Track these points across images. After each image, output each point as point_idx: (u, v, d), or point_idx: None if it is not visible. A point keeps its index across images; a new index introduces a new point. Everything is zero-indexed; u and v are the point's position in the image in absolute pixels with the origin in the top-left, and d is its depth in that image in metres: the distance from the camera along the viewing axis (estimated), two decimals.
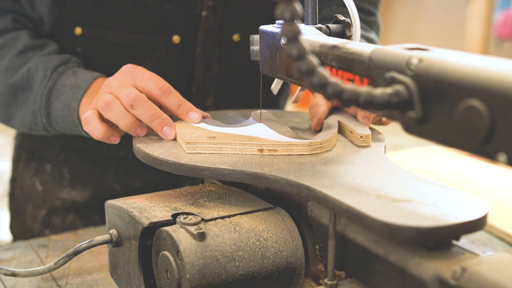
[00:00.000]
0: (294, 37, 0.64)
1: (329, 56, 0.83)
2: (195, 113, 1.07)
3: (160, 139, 1.04)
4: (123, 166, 1.41)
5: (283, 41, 0.92)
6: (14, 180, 1.52)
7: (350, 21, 0.97)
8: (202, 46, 1.31)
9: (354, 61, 0.79)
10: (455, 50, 0.71)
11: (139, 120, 1.04)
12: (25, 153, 1.48)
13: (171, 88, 1.08)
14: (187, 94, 1.33)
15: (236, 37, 1.35)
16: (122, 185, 1.42)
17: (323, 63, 0.83)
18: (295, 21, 0.65)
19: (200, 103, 1.34)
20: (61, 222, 1.44)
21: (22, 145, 1.49)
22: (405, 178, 0.85)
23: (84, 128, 1.08)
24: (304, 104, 1.68)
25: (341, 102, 0.67)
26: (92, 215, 1.43)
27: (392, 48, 0.75)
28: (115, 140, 1.09)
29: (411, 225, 0.70)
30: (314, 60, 0.66)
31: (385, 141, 1.04)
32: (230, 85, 1.39)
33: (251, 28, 1.24)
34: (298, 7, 0.65)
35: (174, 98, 1.07)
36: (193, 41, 1.32)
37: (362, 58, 0.77)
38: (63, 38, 1.31)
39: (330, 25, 0.98)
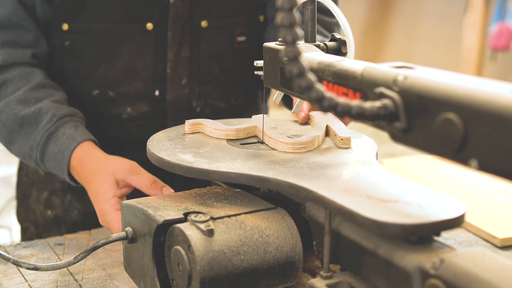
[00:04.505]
0: (295, 57, 0.74)
1: (325, 72, 0.93)
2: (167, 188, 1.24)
3: (173, 144, 1.14)
4: (112, 146, 1.50)
5: (285, 58, 1.02)
6: (21, 170, 1.65)
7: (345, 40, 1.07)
8: (172, 30, 1.45)
9: (347, 77, 0.88)
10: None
11: None
12: None
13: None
14: (162, 75, 1.49)
15: (204, 23, 1.49)
16: None
17: (320, 78, 0.93)
18: (296, 43, 0.75)
19: (175, 83, 1.49)
20: (60, 202, 1.56)
21: None
22: (393, 182, 0.95)
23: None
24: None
25: (335, 113, 0.77)
26: (86, 195, 1.53)
27: (381, 66, 0.84)
28: None
29: (397, 222, 0.80)
30: (312, 77, 0.76)
31: (377, 148, 1.14)
32: (202, 67, 1.52)
33: (217, 16, 1.42)
34: (299, 31, 0.75)
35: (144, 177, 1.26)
36: (165, 27, 1.45)
37: (355, 75, 0.87)
38: (53, 35, 1.46)
39: (328, 43, 1.08)
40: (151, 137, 1.19)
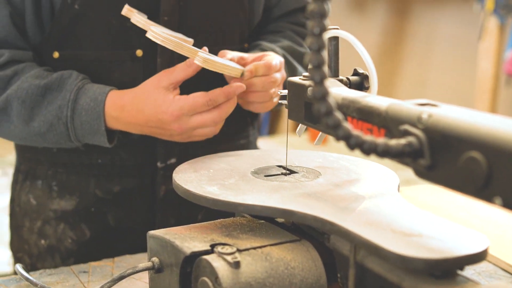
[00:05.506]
0: (323, 97, 0.77)
1: (350, 108, 0.95)
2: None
3: (198, 176, 1.16)
4: (103, 173, 1.53)
5: (309, 93, 1.05)
6: (13, 200, 1.65)
7: (367, 74, 1.10)
8: (161, 57, 1.46)
9: (372, 114, 0.91)
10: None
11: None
12: (21, 175, 1.62)
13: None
14: None
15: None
16: (103, 191, 1.54)
17: (344, 114, 0.96)
18: (324, 83, 0.77)
19: None
20: (54, 232, 1.56)
21: (18, 167, 1.64)
22: (416, 215, 0.97)
23: None
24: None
25: (362, 151, 0.80)
26: (79, 223, 1.55)
27: (406, 104, 0.87)
28: None
29: (421, 257, 0.82)
30: (339, 115, 0.78)
31: (398, 180, 1.16)
32: (191, 90, 1.51)
33: (203, 42, 1.43)
34: (326, 70, 0.77)
35: None
36: (154, 54, 1.47)
37: (379, 111, 0.89)
38: (44, 63, 1.49)
39: (350, 77, 1.11)
40: (176, 169, 1.21)
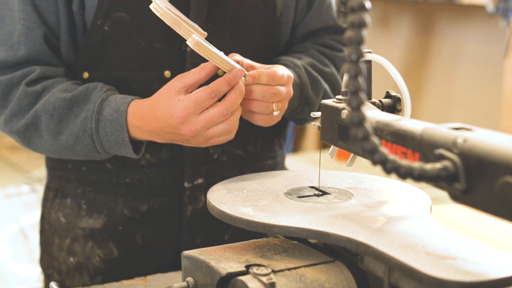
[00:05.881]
0: (360, 122, 0.78)
1: (384, 131, 0.96)
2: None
3: (232, 196, 1.18)
4: (131, 192, 1.55)
5: (346, 118, 1.06)
6: (43, 218, 1.67)
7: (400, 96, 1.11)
8: None
9: (406, 137, 0.92)
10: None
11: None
12: (51, 192, 1.64)
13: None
14: None
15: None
16: (130, 210, 1.55)
17: (379, 137, 0.97)
18: (362, 109, 0.78)
19: None
20: (82, 249, 1.58)
21: (49, 185, 1.66)
22: (449, 237, 0.98)
23: None
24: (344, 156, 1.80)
25: (398, 175, 0.81)
26: (107, 242, 1.57)
27: (440, 128, 0.88)
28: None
29: (457, 280, 0.83)
30: (376, 140, 0.79)
31: (430, 202, 1.17)
32: None
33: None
34: (363, 95, 0.79)
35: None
36: None
37: (414, 135, 0.91)
38: None
39: (383, 100, 1.12)
40: (210, 189, 1.23)
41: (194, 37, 1.24)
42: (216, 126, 1.29)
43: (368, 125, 0.79)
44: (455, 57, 4.86)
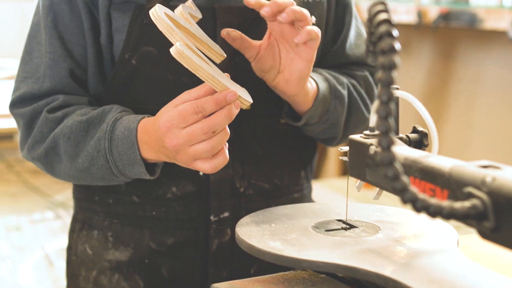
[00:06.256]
0: (390, 162, 0.80)
1: (412, 168, 0.98)
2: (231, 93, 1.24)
3: (260, 230, 1.19)
4: (157, 225, 1.55)
5: (371, 152, 1.07)
6: (70, 248, 1.68)
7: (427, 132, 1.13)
8: None
9: (435, 175, 0.93)
10: None
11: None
12: (78, 224, 1.66)
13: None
14: None
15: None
16: (157, 243, 1.56)
17: (407, 173, 0.98)
18: (392, 148, 0.80)
19: None
20: (108, 282, 1.59)
21: (76, 217, 1.67)
22: (478, 273, 0.99)
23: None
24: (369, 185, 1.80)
25: (428, 214, 0.82)
26: (133, 274, 1.57)
27: (469, 166, 0.89)
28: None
29: None
30: (406, 180, 0.81)
31: (457, 236, 1.18)
32: (245, 148, 1.54)
33: (258, 98, 1.41)
34: (393, 136, 0.80)
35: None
36: None
37: (442, 173, 0.92)
38: None
39: (410, 135, 1.14)
40: (239, 222, 1.24)
41: (178, 45, 1.19)
42: (197, 145, 1.25)
43: (398, 165, 0.81)
44: (476, 82, 4.86)
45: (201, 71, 1.22)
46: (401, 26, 5.32)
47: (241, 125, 1.52)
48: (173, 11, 1.31)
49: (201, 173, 1.51)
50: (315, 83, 1.49)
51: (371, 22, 0.88)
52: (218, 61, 1.34)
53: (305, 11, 1.31)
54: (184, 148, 1.26)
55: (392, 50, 0.80)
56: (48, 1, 1.50)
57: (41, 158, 1.48)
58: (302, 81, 1.40)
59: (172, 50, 1.19)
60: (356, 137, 1.13)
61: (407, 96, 1.07)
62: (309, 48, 1.35)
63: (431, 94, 5.25)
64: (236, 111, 1.26)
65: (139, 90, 1.48)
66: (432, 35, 5.20)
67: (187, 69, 1.37)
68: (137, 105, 1.48)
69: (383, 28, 0.82)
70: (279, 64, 1.40)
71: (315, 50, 1.36)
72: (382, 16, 0.84)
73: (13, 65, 6.44)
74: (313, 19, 1.35)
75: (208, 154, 1.27)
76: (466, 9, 4.21)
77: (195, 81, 1.45)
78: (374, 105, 0.86)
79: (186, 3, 1.38)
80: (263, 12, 1.31)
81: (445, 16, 4.37)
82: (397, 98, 1.12)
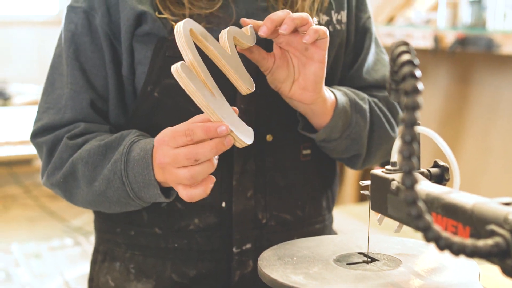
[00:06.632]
0: (414, 201, 0.81)
1: (434, 204, 0.99)
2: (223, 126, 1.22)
3: (282, 263, 1.20)
4: (179, 257, 1.55)
5: (393, 187, 1.09)
6: (91, 280, 1.68)
7: (448, 166, 1.14)
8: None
9: (457, 211, 0.94)
10: None
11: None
12: (100, 255, 1.66)
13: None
14: (228, 187, 1.51)
15: (269, 137, 1.52)
16: (179, 275, 1.56)
17: (429, 209, 0.99)
18: (415, 187, 0.81)
19: (241, 195, 1.52)
20: None
21: (97, 248, 1.68)
22: None
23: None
24: None
25: (451, 252, 0.83)
26: None
27: (491, 203, 0.90)
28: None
29: None
30: (429, 218, 0.82)
31: (479, 269, 1.18)
32: (267, 179, 1.55)
33: (281, 130, 1.45)
34: (416, 175, 0.82)
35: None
36: None
37: (464, 210, 0.93)
38: None
39: (431, 169, 1.15)
40: (261, 256, 1.25)
41: (179, 63, 1.17)
42: (180, 169, 1.25)
43: (421, 203, 0.82)
44: (493, 107, 4.86)
45: (196, 96, 1.20)
46: (417, 51, 5.32)
47: (263, 156, 1.54)
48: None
49: (223, 205, 1.52)
50: (333, 94, 1.48)
51: (394, 62, 0.90)
52: (243, 93, 1.32)
53: (305, 15, 1.31)
54: (169, 168, 1.27)
55: (416, 91, 0.81)
56: (70, 32, 1.52)
57: (59, 183, 1.49)
58: (318, 85, 1.40)
59: (172, 66, 1.18)
60: (378, 172, 1.14)
61: (429, 132, 1.09)
62: (319, 48, 1.35)
63: (448, 119, 5.25)
64: (225, 147, 1.24)
65: (161, 122, 1.49)
66: (449, 60, 5.21)
67: None
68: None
69: (406, 69, 0.83)
70: (293, 72, 1.40)
71: (325, 50, 1.36)
72: (406, 57, 0.86)
73: (31, 91, 6.50)
74: (315, 20, 1.35)
75: (187, 182, 1.26)
76: (483, 34, 4.22)
77: None
78: (397, 144, 0.88)
79: (243, 28, 1.34)
80: (261, 33, 1.32)
81: (462, 41, 4.38)
82: (419, 134, 1.13)
